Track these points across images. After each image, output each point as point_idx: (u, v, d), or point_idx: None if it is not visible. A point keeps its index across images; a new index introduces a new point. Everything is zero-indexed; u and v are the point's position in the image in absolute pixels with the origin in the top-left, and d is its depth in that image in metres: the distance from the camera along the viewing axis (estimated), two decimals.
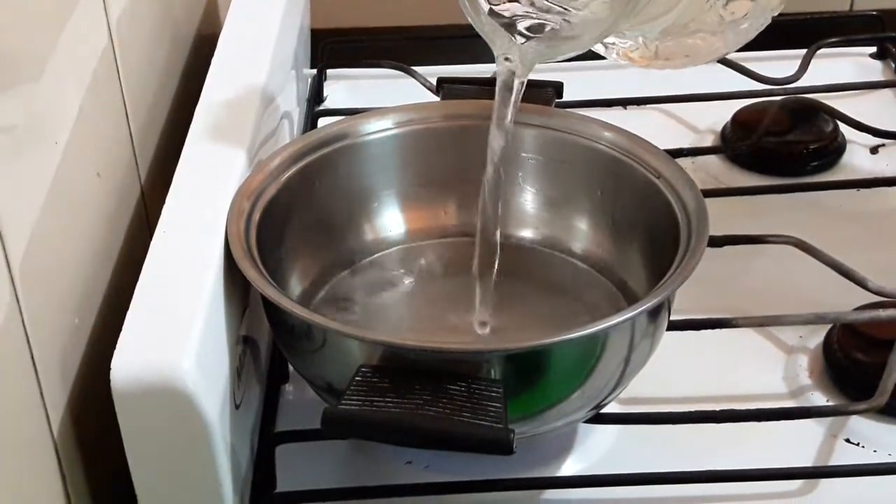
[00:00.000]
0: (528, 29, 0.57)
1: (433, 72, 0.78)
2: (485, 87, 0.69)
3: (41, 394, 0.51)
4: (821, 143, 0.81)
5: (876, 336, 0.64)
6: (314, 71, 0.89)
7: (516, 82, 0.58)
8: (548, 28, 0.57)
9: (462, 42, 0.87)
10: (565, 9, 0.56)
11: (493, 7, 0.57)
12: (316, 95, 0.87)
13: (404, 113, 0.68)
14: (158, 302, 0.54)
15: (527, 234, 0.68)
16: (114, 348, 0.51)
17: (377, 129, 0.67)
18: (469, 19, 0.58)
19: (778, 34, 0.93)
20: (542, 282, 0.66)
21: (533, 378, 0.55)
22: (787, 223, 0.70)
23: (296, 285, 0.64)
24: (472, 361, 0.53)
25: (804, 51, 0.87)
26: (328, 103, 0.88)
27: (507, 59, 0.58)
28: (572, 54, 0.58)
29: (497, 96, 0.59)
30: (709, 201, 0.60)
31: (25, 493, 0.50)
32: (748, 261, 0.71)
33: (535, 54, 0.58)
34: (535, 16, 0.57)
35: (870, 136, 0.82)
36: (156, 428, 0.52)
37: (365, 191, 0.67)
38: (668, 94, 0.85)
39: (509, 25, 0.57)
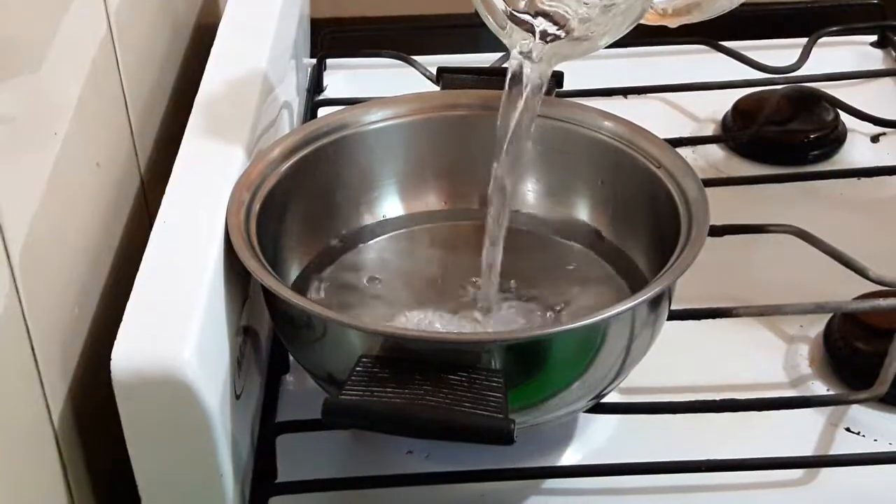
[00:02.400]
0: (544, 32, 0.57)
1: (433, 61, 0.78)
2: (485, 76, 0.69)
3: (41, 384, 0.51)
4: (821, 132, 0.81)
5: (876, 325, 0.64)
6: (314, 60, 0.89)
7: (534, 81, 0.58)
8: (569, 32, 0.57)
9: (462, 31, 0.87)
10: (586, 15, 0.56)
11: (514, 12, 0.57)
12: (316, 85, 0.87)
13: (404, 103, 0.68)
14: (159, 292, 0.54)
15: (528, 222, 0.68)
16: (114, 338, 0.51)
17: (377, 118, 0.67)
18: (483, 19, 0.58)
19: (779, 23, 0.94)
20: (543, 271, 0.66)
21: (533, 368, 0.55)
22: (788, 212, 0.70)
23: (296, 275, 0.64)
24: (472, 351, 0.53)
25: (805, 39, 0.87)
26: (328, 93, 0.88)
27: (521, 53, 0.58)
28: (589, 54, 0.58)
29: (505, 95, 0.59)
30: (709, 190, 0.60)
31: (26, 483, 0.50)
32: (749, 250, 0.71)
33: (555, 55, 0.57)
34: (557, 10, 0.57)
35: (871, 125, 0.82)
36: (156, 418, 0.52)
37: (365, 180, 0.67)
38: (668, 84, 0.85)
39: (527, 28, 0.57)
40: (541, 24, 0.57)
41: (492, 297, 0.63)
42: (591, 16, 0.56)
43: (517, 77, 0.58)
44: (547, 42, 0.57)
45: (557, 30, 0.57)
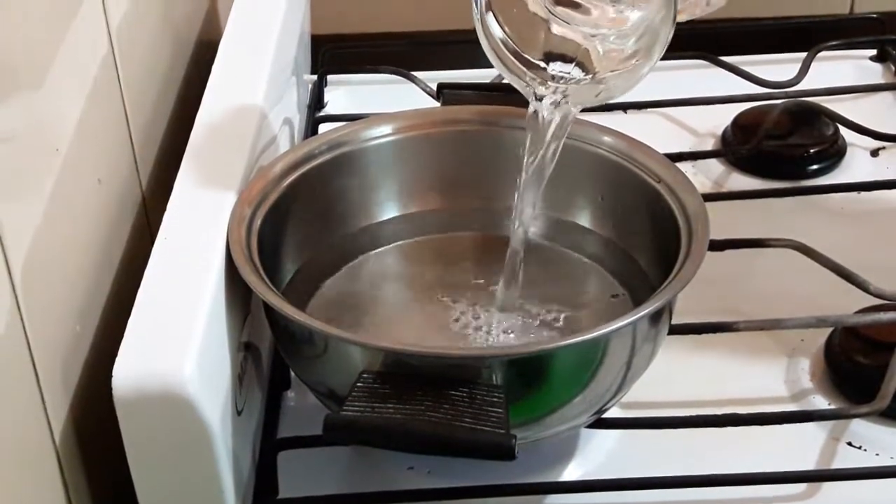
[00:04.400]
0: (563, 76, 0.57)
1: (433, 77, 0.78)
2: (485, 92, 0.69)
3: (43, 401, 0.51)
4: (821, 146, 0.81)
5: (877, 339, 0.64)
6: (315, 77, 0.89)
7: (558, 119, 0.59)
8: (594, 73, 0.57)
9: (462, 47, 0.86)
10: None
11: (530, 59, 0.57)
12: (316, 101, 0.88)
13: (405, 119, 0.68)
14: (160, 308, 0.54)
15: (529, 236, 0.68)
16: (115, 355, 0.51)
17: (378, 134, 0.67)
18: (500, 71, 0.58)
19: (778, 37, 0.94)
20: (544, 284, 0.66)
21: (534, 383, 0.55)
22: (788, 226, 0.70)
23: (297, 291, 0.64)
24: (473, 367, 0.53)
25: (804, 54, 0.87)
26: (329, 109, 0.88)
27: (536, 97, 0.58)
28: (628, 90, 0.58)
29: (528, 132, 0.60)
30: (709, 205, 0.60)
31: (28, 501, 0.50)
32: (749, 264, 0.71)
33: (587, 100, 0.58)
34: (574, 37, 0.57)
35: (870, 139, 0.82)
36: (158, 434, 0.52)
37: (365, 196, 0.68)
38: (668, 98, 0.85)
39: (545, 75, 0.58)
40: (557, 68, 0.57)
41: (509, 309, 0.63)
42: (606, 38, 0.56)
43: (537, 119, 0.59)
44: (568, 84, 0.57)
45: (582, 73, 0.57)
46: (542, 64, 0.57)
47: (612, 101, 0.81)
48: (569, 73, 0.57)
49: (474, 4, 0.57)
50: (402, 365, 0.53)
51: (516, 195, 0.61)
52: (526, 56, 0.57)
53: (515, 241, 0.62)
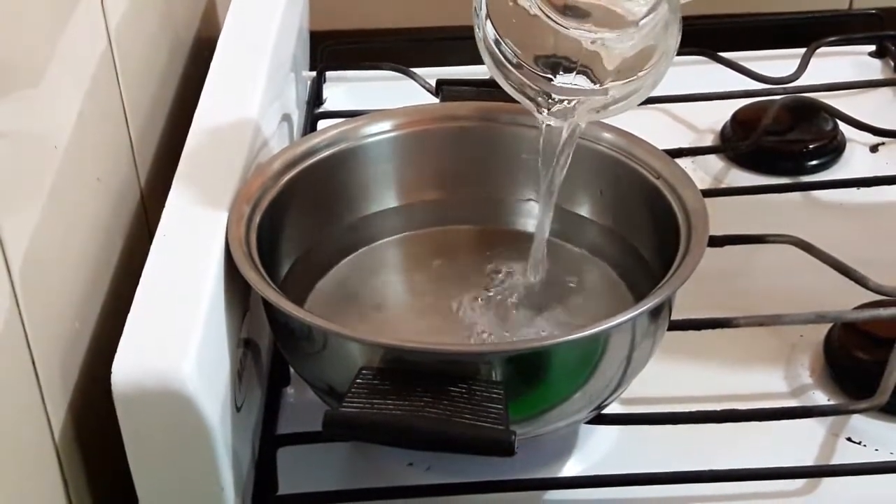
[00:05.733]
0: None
1: (433, 73, 0.78)
2: (485, 88, 0.69)
3: (42, 398, 0.51)
4: (821, 141, 0.81)
5: (877, 334, 0.64)
6: (313, 73, 0.89)
7: (566, 131, 0.59)
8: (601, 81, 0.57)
9: (461, 44, 0.86)
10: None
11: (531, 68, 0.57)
12: (315, 98, 0.87)
13: (404, 115, 0.68)
14: (159, 305, 0.54)
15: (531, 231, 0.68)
16: (115, 352, 0.52)
17: (377, 131, 0.67)
18: (498, 81, 0.58)
19: (777, 33, 0.94)
20: (546, 278, 0.66)
21: (534, 379, 0.55)
22: (788, 222, 0.70)
23: (296, 286, 0.64)
24: (472, 363, 0.53)
25: (803, 50, 0.87)
26: (328, 105, 0.88)
27: (547, 112, 0.58)
28: (647, 89, 0.58)
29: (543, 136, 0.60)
30: (709, 201, 0.60)
31: (27, 498, 0.50)
32: (749, 260, 0.71)
33: (598, 111, 0.58)
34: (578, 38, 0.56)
35: (869, 135, 0.82)
36: (157, 431, 0.52)
37: (364, 192, 0.68)
38: (667, 94, 0.85)
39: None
40: (562, 80, 0.57)
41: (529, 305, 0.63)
42: (608, 43, 0.56)
43: (547, 132, 0.59)
44: (576, 99, 0.57)
45: (589, 83, 0.57)
46: (548, 75, 0.58)
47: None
48: (572, 82, 0.57)
49: (476, 28, 0.57)
50: (402, 361, 0.53)
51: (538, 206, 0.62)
52: (530, 67, 0.58)
53: (537, 245, 0.63)
